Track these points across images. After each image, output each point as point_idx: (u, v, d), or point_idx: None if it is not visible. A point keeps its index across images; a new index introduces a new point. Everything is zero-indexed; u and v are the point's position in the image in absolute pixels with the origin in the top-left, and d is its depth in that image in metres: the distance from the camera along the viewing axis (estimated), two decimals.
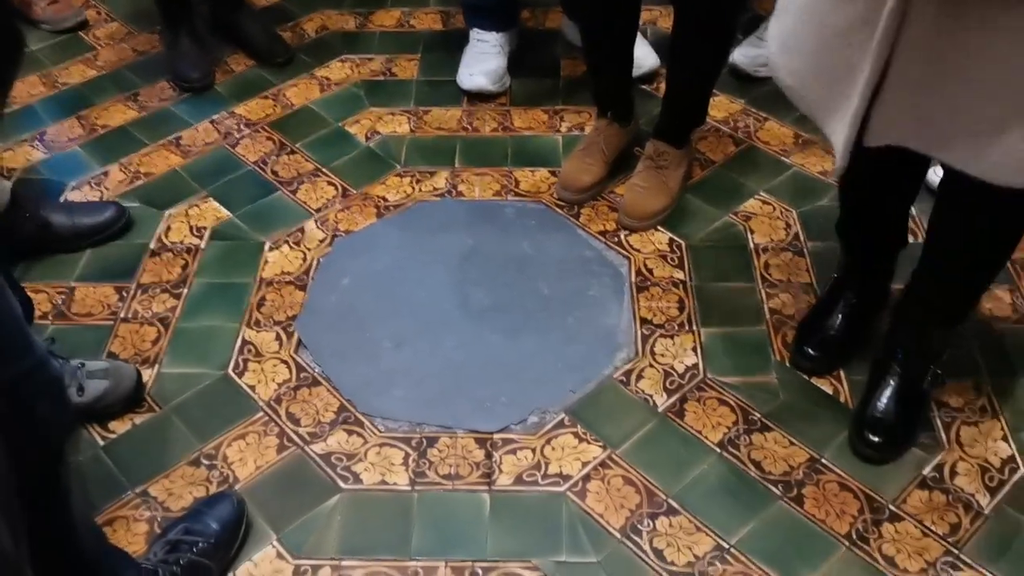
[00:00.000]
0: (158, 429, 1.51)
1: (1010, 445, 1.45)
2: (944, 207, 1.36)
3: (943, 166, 1.25)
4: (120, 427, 1.51)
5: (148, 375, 1.58)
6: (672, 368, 1.59)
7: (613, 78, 1.93)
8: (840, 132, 1.12)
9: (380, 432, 1.50)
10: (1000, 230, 1.29)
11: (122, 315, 1.70)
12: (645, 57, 2.19)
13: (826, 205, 1.87)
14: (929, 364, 1.44)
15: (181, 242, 1.85)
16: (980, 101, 1.02)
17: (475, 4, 2.18)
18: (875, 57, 1.04)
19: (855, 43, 1.06)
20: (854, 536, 1.35)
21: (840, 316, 1.56)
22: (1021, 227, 1.29)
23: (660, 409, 1.53)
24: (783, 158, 2.00)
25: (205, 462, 1.46)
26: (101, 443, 1.49)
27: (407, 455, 1.47)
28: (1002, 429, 1.48)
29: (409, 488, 1.42)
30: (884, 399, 1.44)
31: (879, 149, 1.14)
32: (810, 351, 1.55)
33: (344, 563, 1.33)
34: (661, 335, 1.64)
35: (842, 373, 1.56)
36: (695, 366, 1.59)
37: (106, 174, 2.01)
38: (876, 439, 1.44)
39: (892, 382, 1.44)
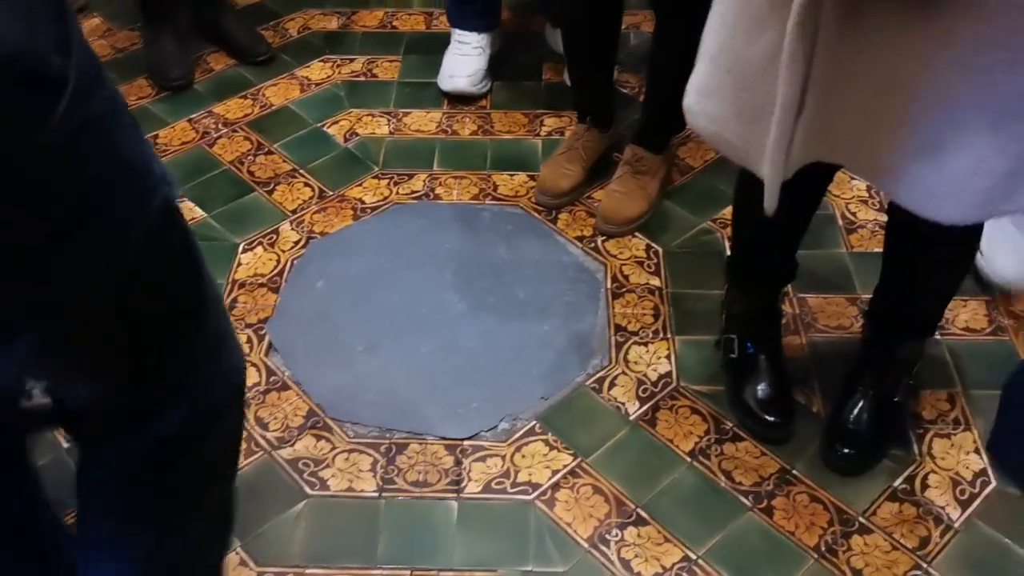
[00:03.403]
0: None
1: (982, 458, 1.45)
2: (892, 227, 1.36)
3: None
4: None
5: None
6: (645, 376, 1.58)
7: (593, 83, 1.92)
8: (773, 165, 1.08)
9: (349, 437, 1.49)
10: (950, 249, 1.29)
11: None
12: None
13: None
14: (901, 376, 1.43)
15: None
16: (902, 115, 1.01)
17: None
18: (791, 76, 1.00)
19: (775, 74, 1.03)
20: (823, 548, 1.34)
21: (771, 375, 1.49)
22: (973, 245, 1.29)
23: (632, 417, 1.52)
24: None
25: None
26: (65, 446, 1.47)
27: (375, 461, 1.45)
28: (975, 441, 1.47)
29: (376, 495, 1.41)
30: (856, 410, 1.43)
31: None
32: (770, 418, 1.47)
33: (308, 571, 1.32)
34: (635, 342, 1.63)
35: (815, 383, 1.55)
36: (668, 374, 1.58)
37: None
38: (848, 450, 1.43)
39: (864, 394, 1.44)
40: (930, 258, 1.32)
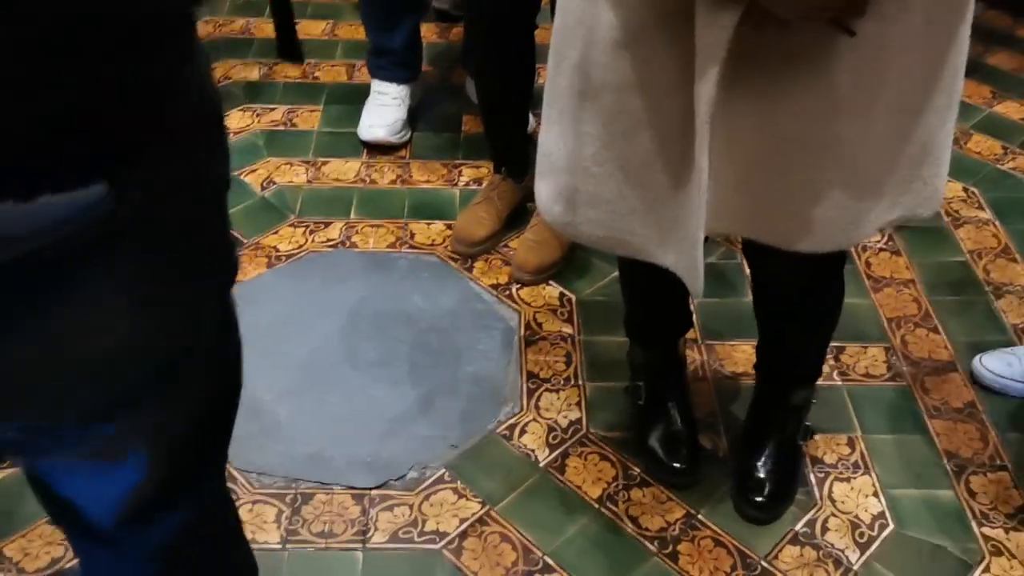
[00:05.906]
0: (18, 485, 1.44)
1: (881, 501, 1.48)
2: (755, 283, 1.40)
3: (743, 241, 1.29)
4: None
5: None
6: (556, 423, 1.59)
7: (508, 134, 1.95)
8: (685, 252, 1.08)
9: (254, 488, 1.46)
10: (809, 287, 1.33)
11: None
12: None
13: (716, 262, 1.90)
14: (798, 420, 1.47)
15: None
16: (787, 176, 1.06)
17: (381, 49, 2.19)
18: (698, 171, 1.00)
19: (665, 165, 1.05)
20: None
21: (677, 421, 1.51)
22: (834, 277, 1.34)
23: (542, 464, 1.52)
24: None
25: None
26: None
27: (280, 512, 1.43)
28: (873, 485, 1.50)
29: (280, 547, 1.39)
30: (763, 459, 1.45)
31: None
32: (676, 464, 1.49)
33: None
34: (547, 389, 1.65)
35: (721, 428, 1.58)
36: (578, 420, 1.59)
37: None
38: (760, 499, 1.44)
39: (767, 441, 1.46)
40: (793, 304, 1.37)
